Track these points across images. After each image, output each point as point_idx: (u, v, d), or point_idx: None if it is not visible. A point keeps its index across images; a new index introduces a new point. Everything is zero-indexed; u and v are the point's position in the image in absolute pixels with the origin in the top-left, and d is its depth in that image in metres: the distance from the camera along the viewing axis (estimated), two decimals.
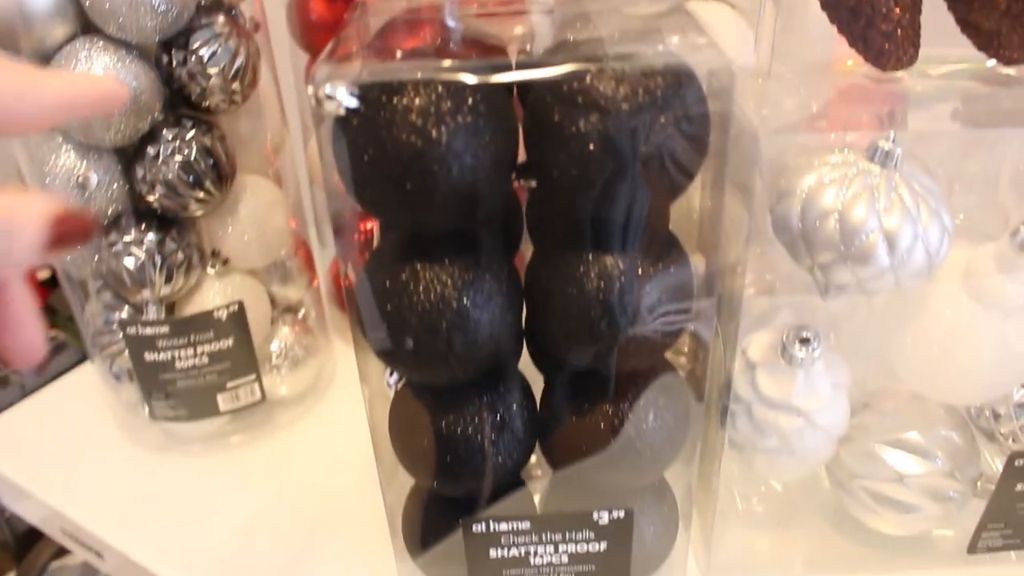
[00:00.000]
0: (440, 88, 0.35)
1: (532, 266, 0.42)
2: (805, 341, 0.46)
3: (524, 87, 0.39)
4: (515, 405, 0.43)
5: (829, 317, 0.52)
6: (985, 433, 0.52)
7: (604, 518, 0.45)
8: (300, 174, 0.69)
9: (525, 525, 0.45)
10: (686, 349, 0.59)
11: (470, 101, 0.35)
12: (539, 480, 0.50)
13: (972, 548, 0.53)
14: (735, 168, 0.46)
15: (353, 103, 0.34)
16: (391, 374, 0.43)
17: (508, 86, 0.37)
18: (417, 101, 0.34)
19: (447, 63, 0.35)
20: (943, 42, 0.45)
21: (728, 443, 0.50)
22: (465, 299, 0.38)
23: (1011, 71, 0.46)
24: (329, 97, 0.34)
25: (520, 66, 0.36)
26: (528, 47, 0.43)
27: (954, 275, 0.47)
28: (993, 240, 0.46)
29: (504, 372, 0.44)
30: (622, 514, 0.45)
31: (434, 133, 0.34)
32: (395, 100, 0.34)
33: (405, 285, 0.38)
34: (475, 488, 0.45)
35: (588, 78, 0.35)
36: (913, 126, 0.45)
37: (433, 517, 0.48)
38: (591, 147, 0.35)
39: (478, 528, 0.45)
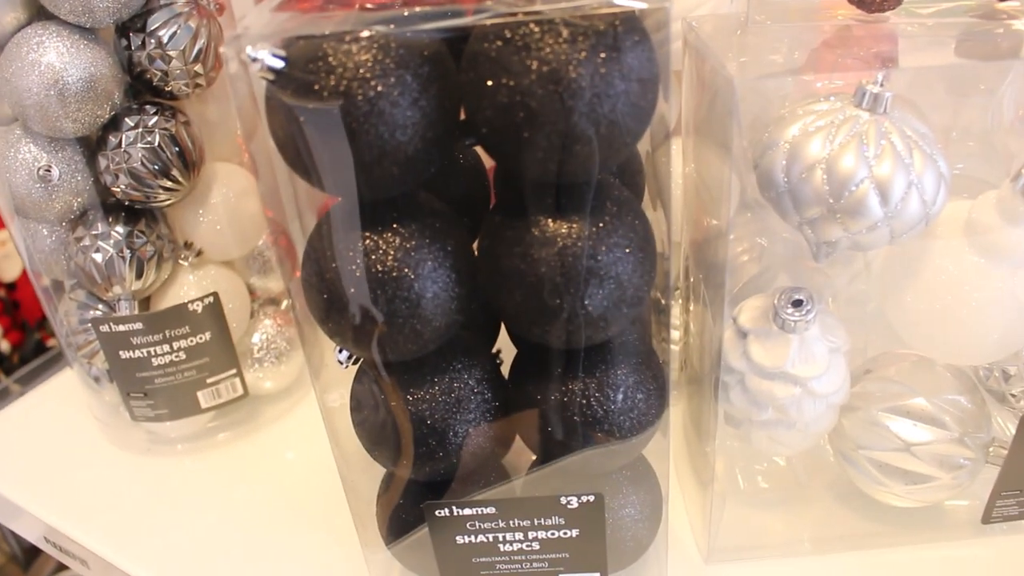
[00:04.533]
0: (365, 42, 0.32)
1: (481, 233, 0.39)
2: (798, 304, 0.43)
3: (461, 39, 0.36)
4: (472, 381, 0.41)
5: (825, 280, 0.50)
6: (995, 395, 0.49)
7: (573, 503, 0.42)
8: (275, 161, 0.67)
9: (490, 510, 0.43)
10: (679, 321, 0.57)
11: (399, 55, 0.33)
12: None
13: (987, 518, 0.50)
14: (716, 127, 0.44)
15: (279, 64, 0.32)
16: (339, 351, 0.41)
17: (448, 39, 0.34)
18: (342, 58, 0.32)
19: (374, 15, 0.33)
20: None
21: (723, 417, 0.48)
22: (407, 269, 0.36)
23: (1006, 5, 0.43)
24: (253, 59, 0.32)
25: (450, 15, 0.33)
26: None
27: (955, 228, 0.44)
28: (995, 188, 0.43)
29: (463, 348, 0.41)
30: (592, 499, 0.42)
31: (359, 93, 0.32)
32: (319, 59, 0.32)
33: (344, 253, 0.36)
34: (436, 472, 0.42)
35: (517, 27, 0.32)
36: (905, 66, 0.42)
37: (404, 503, 0.45)
38: (513, 102, 0.32)
39: (441, 513, 0.43)
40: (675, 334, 0.57)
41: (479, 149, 0.45)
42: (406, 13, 0.34)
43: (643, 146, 0.40)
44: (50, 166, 0.53)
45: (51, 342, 1.43)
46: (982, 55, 0.43)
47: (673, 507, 0.53)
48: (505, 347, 0.46)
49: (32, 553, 1.21)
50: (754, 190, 0.43)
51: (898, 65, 0.43)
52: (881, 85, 0.39)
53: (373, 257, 0.36)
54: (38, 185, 0.54)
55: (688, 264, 0.52)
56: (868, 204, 0.38)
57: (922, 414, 0.47)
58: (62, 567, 1.16)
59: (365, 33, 0.32)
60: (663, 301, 0.44)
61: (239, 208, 0.60)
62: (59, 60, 0.50)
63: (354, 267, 0.36)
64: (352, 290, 0.36)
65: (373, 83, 0.32)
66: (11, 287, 1.43)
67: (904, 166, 0.38)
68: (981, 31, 0.43)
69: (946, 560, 0.51)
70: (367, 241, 0.36)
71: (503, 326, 0.45)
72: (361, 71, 0.32)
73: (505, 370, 0.45)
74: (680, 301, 0.55)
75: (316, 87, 0.32)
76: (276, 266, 0.65)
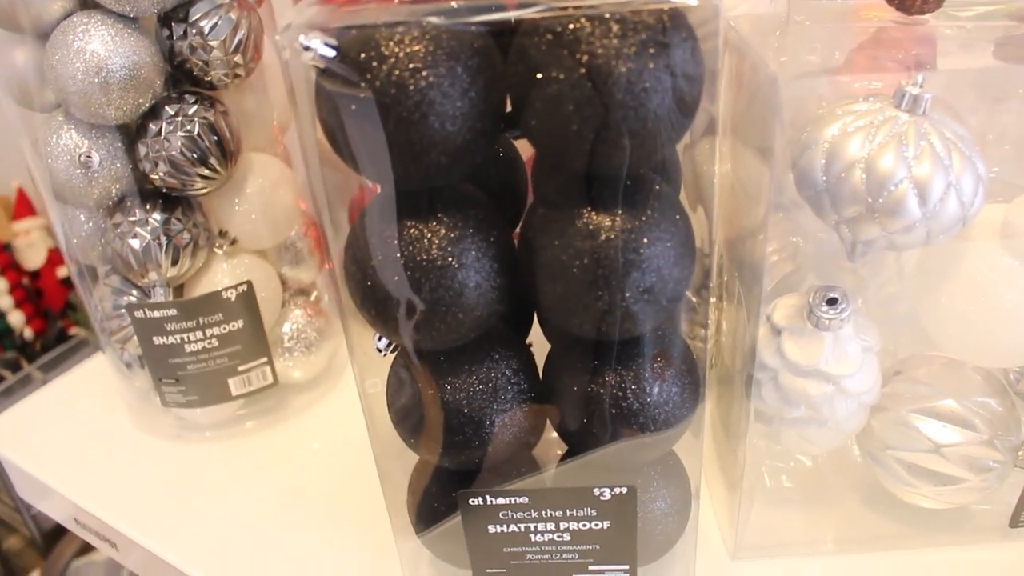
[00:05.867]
0: (417, 33, 0.33)
1: (523, 224, 0.40)
2: (832, 302, 0.43)
3: (508, 32, 0.36)
4: (508, 373, 0.41)
5: (857, 282, 0.50)
6: None
7: (606, 494, 0.43)
8: (308, 150, 0.68)
9: (523, 500, 0.43)
10: (711, 320, 0.57)
11: (450, 47, 0.33)
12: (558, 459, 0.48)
13: (1014, 522, 0.50)
14: (754, 126, 0.44)
15: (331, 53, 0.33)
16: (379, 338, 0.42)
17: (495, 31, 0.35)
18: (395, 48, 0.33)
19: (423, 7, 0.34)
20: None
21: (754, 415, 0.48)
22: (451, 258, 0.36)
23: None
24: (306, 48, 0.32)
25: (498, 9, 0.33)
26: None
27: (990, 231, 0.44)
28: None
29: (499, 339, 0.42)
30: (624, 491, 0.43)
31: (411, 83, 0.33)
32: (371, 49, 0.33)
33: (389, 242, 0.37)
34: (470, 461, 0.43)
35: (567, 21, 0.32)
36: (943, 68, 0.42)
37: (435, 491, 0.46)
38: (562, 95, 0.32)
39: (475, 502, 0.43)
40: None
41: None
42: (455, 5, 0.35)
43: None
44: (91, 152, 0.54)
45: (73, 330, 1.45)
46: (1020, 59, 0.43)
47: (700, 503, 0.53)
48: (536, 339, 0.46)
49: (52, 538, 1.22)
50: (789, 189, 0.43)
51: (936, 68, 0.43)
52: (921, 87, 0.39)
53: (417, 246, 0.37)
54: (78, 171, 0.54)
55: (722, 262, 0.52)
56: (907, 204, 0.39)
57: (952, 416, 0.47)
58: (82, 553, 1.17)
59: (420, 23, 0.33)
60: (693, 299, 0.44)
61: (273, 198, 0.61)
62: (103, 48, 0.51)
63: (398, 255, 0.37)
64: (395, 278, 0.37)
65: (425, 73, 0.33)
66: (34, 276, 1.44)
67: (943, 167, 0.39)
68: (1019, 35, 0.43)
69: (972, 563, 0.51)
70: (411, 230, 0.37)
71: (536, 318, 0.46)
72: (413, 61, 0.33)
73: (535, 362, 0.46)
74: (713, 299, 0.56)
75: (368, 76, 0.33)
76: (308, 256, 0.66)
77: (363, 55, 0.33)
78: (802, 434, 0.47)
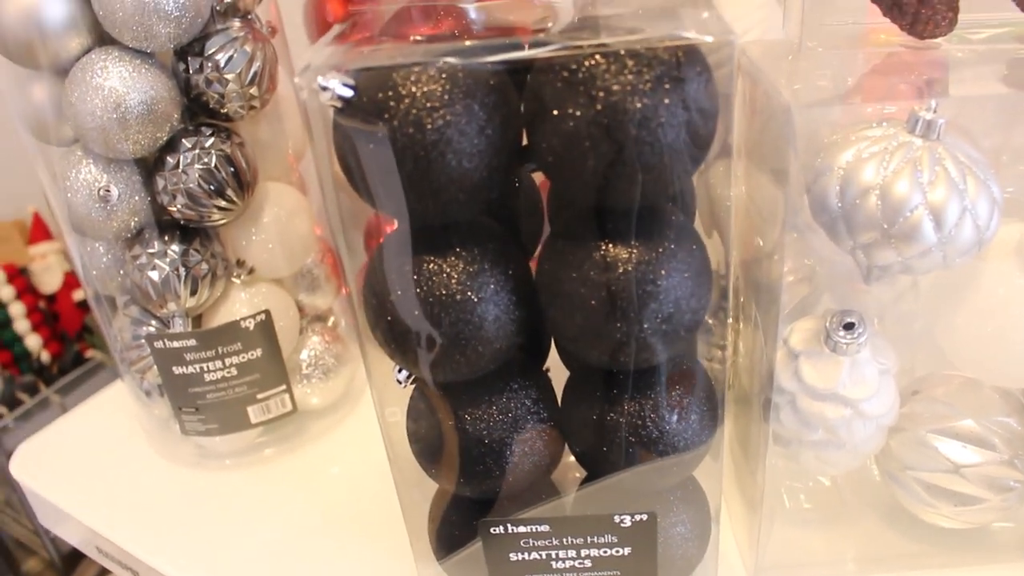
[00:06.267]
0: (433, 72, 0.34)
1: (541, 257, 0.40)
2: (849, 327, 0.44)
3: (524, 69, 0.37)
4: (528, 402, 0.42)
5: (873, 301, 0.50)
6: None
7: (627, 521, 0.43)
8: (324, 180, 0.68)
9: (544, 528, 0.44)
10: (727, 341, 0.57)
11: (466, 86, 0.34)
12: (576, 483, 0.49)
13: None
14: (768, 151, 0.45)
15: (348, 93, 0.33)
16: (399, 370, 0.42)
17: (510, 69, 0.35)
18: (412, 88, 0.33)
19: (439, 46, 0.34)
20: (984, 5, 0.43)
21: (772, 438, 0.48)
22: (470, 292, 0.37)
23: None
24: (324, 88, 0.33)
25: (513, 47, 0.34)
26: (550, 25, 0.42)
27: (1006, 251, 0.44)
28: None
29: (518, 368, 0.42)
30: (645, 517, 0.43)
31: (428, 122, 0.33)
32: (388, 88, 0.33)
33: (407, 276, 0.37)
34: (491, 490, 0.43)
35: (583, 58, 0.33)
36: (955, 94, 0.42)
37: (456, 519, 0.46)
38: (579, 132, 0.33)
39: (496, 530, 0.44)
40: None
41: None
42: (468, 44, 0.35)
43: None
44: (109, 187, 0.55)
45: (90, 353, 1.46)
46: None
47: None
48: (553, 364, 0.46)
49: (71, 561, 1.23)
50: (804, 211, 0.44)
51: (948, 93, 0.43)
52: (934, 112, 0.40)
53: (436, 280, 0.37)
54: (97, 205, 0.55)
55: (737, 284, 0.52)
56: (922, 229, 0.39)
57: (971, 435, 0.47)
58: (102, 574, 1.18)
59: (436, 63, 0.33)
60: (710, 321, 0.44)
61: (289, 227, 0.61)
62: (121, 84, 0.51)
63: (417, 290, 0.37)
64: (415, 313, 0.37)
65: (442, 112, 0.33)
66: (51, 299, 1.45)
67: (958, 192, 0.39)
68: None
69: None
70: (430, 265, 0.37)
71: (553, 346, 0.46)
72: (430, 100, 0.33)
73: (554, 390, 0.46)
74: (729, 320, 0.56)
75: (386, 115, 0.33)
76: (324, 283, 0.66)
77: (381, 95, 0.34)
78: (821, 456, 0.47)
